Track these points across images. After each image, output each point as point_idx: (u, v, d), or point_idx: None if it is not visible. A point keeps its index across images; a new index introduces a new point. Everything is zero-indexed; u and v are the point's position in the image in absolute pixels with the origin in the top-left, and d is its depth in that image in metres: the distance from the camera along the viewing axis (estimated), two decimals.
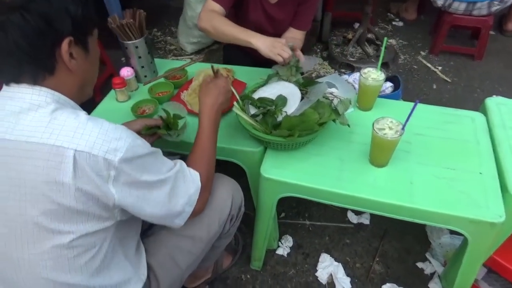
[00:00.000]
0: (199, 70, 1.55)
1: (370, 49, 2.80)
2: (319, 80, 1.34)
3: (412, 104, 1.06)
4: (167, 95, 1.43)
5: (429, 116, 1.36)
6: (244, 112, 1.20)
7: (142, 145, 0.81)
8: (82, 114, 0.77)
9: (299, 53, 1.36)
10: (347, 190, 1.11)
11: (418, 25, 3.16)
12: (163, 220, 0.89)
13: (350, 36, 2.88)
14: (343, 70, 2.68)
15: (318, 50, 2.91)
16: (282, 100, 1.19)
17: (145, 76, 1.56)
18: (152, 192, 0.83)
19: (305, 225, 1.71)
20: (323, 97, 1.21)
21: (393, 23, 3.22)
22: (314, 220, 1.72)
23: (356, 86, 1.70)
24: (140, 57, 1.50)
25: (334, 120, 1.17)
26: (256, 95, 1.26)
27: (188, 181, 0.92)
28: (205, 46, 2.99)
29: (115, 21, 1.40)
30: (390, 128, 1.09)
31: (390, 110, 1.37)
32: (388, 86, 1.67)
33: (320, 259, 1.56)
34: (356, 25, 3.10)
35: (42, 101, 0.76)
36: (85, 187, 0.73)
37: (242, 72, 1.60)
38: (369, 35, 2.86)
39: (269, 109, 1.16)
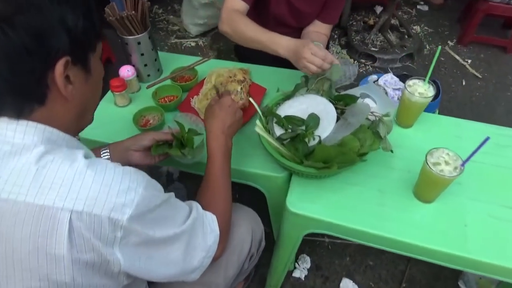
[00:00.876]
0: (211, 70, 1.33)
1: (393, 37, 2.56)
2: (351, 91, 1.14)
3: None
4: (174, 102, 1.23)
5: (481, 136, 1.17)
6: (268, 133, 1.01)
7: (156, 192, 0.64)
8: (80, 157, 0.58)
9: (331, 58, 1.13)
10: (389, 232, 0.93)
11: (445, 10, 2.90)
12: (176, 278, 0.73)
13: (371, 21, 2.63)
14: (363, 60, 2.45)
15: (336, 37, 2.66)
16: (314, 121, 1.00)
17: (148, 76, 1.35)
18: (165, 249, 0.67)
19: (324, 243, 1.55)
20: None
21: (418, 7, 2.95)
22: (333, 237, 1.57)
23: (389, 90, 1.50)
24: (142, 54, 1.28)
25: None
26: (281, 111, 1.06)
27: (206, 231, 0.76)
28: (211, 28, 2.74)
29: (114, 12, 1.17)
30: (447, 163, 0.90)
31: (434, 127, 1.18)
32: None
33: (341, 285, 1.41)
34: (378, 8, 2.84)
35: (28, 141, 0.57)
36: (83, 257, 0.56)
37: (260, 73, 1.38)
38: (392, 21, 2.61)
39: (299, 133, 0.97)
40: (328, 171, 0.91)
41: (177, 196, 0.75)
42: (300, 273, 1.44)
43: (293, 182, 1.04)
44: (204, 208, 0.79)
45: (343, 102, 1.07)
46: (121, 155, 0.94)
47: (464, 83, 2.25)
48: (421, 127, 1.17)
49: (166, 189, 0.70)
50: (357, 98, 1.06)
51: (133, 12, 1.17)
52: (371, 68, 2.41)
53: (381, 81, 1.53)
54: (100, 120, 1.22)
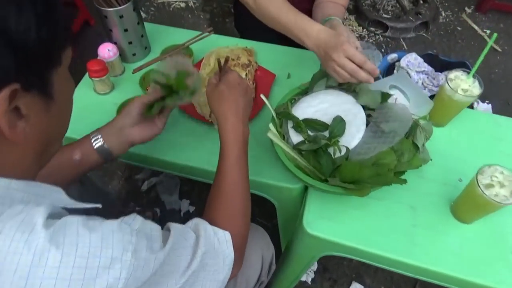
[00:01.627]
0: (210, 51, 1.12)
1: (406, 1, 2.31)
2: (377, 83, 0.94)
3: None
4: None
5: None
6: (283, 141, 0.83)
7: (152, 254, 0.47)
8: (39, 225, 0.40)
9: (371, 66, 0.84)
10: (423, 262, 0.80)
11: None
12: None
13: None
14: (373, 29, 2.22)
15: None
16: (340, 126, 0.81)
17: (134, 55, 1.12)
18: None
19: None
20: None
21: None
22: None
23: (412, 74, 1.31)
24: (126, 30, 1.05)
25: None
26: (298, 111, 0.87)
27: (218, 262, 0.61)
28: None
29: None
30: (501, 185, 0.75)
31: (471, 126, 1.01)
32: None
33: None
34: None
35: None
36: None
37: (266, 53, 1.17)
38: None
39: (322, 143, 0.79)
40: (359, 193, 0.74)
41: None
42: (306, 276, 1.32)
43: (310, 196, 0.87)
44: (215, 222, 0.64)
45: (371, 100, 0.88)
46: (118, 138, 0.76)
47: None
48: (456, 126, 1.00)
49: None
50: (389, 96, 0.87)
51: None
52: (381, 38, 2.19)
53: (403, 62, 1.33)
54: (76, 111, 0.99)
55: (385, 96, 0.87)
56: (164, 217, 1.50)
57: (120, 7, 0.99)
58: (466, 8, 2.36)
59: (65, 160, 0.72)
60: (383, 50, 2.13)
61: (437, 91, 0.96)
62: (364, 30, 2.22)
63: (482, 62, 0.89)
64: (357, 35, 2.20)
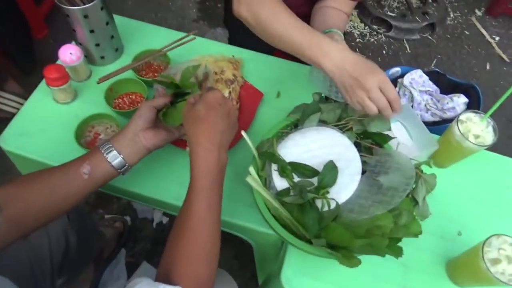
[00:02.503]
0: (191, 59, 0.98)
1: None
2: None
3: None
4: (134, 107, 0.89)
5: None
6: (265, 188, 0.71)
7: None
8: None
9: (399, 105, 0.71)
10: None
11: None
12: None
13: None
14: (375, 27, 2.07)
15: None
16: (331, 174, 0.70)
17: (102, 58, 0.98)
18: None
19: None
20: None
21: None
22: None
23: (414, 93, 1.18)
24: (92, 31, 0.90)
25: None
26: (283, 149, 0.75)
27: None
28: None
29: None
30: (510, 261, 0.65)
31: (477, 169, 0.90)
32: (460, 103, 1.16)
33: None
34: None
35: None
36: None
37: (255, 64, 1.04)
38: None
39: (310, 197, 0.67)
40: (347, 263, 0.64)
41: None
42: None
43: (291, 247, 0.77)
44: (172, 267, 0.56)
45: (369, 140, 0.77)
46: (133, 145, 0.68)
47: (488, 67, 1.93)
48: (459, 169, 0.89)
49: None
50: (390, 138, 0.75)
51: None
52: (384, 38, 2.04)
53: (406, 80, 1.21)
54: (32, 124, 0.89)
55: (384, 139, 0.75)
56: (135, 226, 1.39)
57: (85, 6, 0.84)
58: (476, 10, 2.21)
59: (72, 175, 0.63)
60: (384, 52, 1.99)
61: (444, 132, 0.85)
62: (366, 27, 2.06)
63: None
64: (358, 33, 2.05)
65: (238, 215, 0.80)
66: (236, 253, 1.34)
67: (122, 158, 0.66)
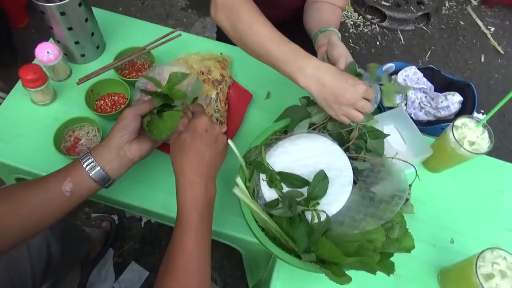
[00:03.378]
0: (176, 58, 0.93)
1: None
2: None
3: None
4: (119, 111, 0.85)
5: None
6: (253, 200, 0.68)
7: None
8: None
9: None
10: None
11: None
12: None
13: None
14: (369, 17, 2.02)
15: None
16: (321, 184, 0.67)
17: (83, 56, 0.93)
18: None
19: None
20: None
21: None
22: None
23: (409, 91, 1.15)
24: (71, 29, 0.85)
25: None
26: (272, 158, 0.71)
27: None
28: None
29: None
30: (503, 275, 0.64)
31: (474, 174, 0.88)
32: (455, 102, 1.13)
33: None
34: None
35: None
36: None
37: (244, 63, 0.99)
38: None
39: (299, 210, 0.65)
40: (338, 280, 0.61)
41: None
42: None
43: (279, 261, 0.75)
44: None
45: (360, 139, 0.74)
46: (117, 159, 0.64)
47: (483, 59, 1.90)
48: (453, 173, 0.87)
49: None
50: (384, 135, 0.73)
51: None
52: (378, 29, 1.99)
53: (400, 77, 1.18)
54: (9, 128, 0.84)
55: (380, 134, 0.72)
56: (122, 225, 1.36)
57: (62, 2, 0.79)
58: (472, 0, 2.16)
59: (53, 193, 0.59)
60: (378, 43, 1.95)
61: (439, 137, 0.82)
62: (360, 17, 2.01)
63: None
64: (352, 22, 2.00)
65: (226, 225, 0.78)
66: (227, 252, 1.32)
67: (106, 173, 0.62)
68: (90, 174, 0.61)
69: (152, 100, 0.69)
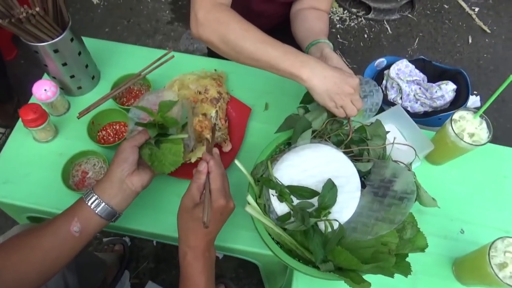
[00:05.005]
0: (172, 80, 0.94)
1: None
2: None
3: None
4: (119, 139, 0.86)
5: None
6: (266, 216, 0.69)
7: None
8: None
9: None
10: None
11: None
12: None
13: None
14: (354, 10, 2.03)
15: None
16: (331, 193, 0.68)
17: (79, 88, 0.94)
18: None
19: None
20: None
21: None
22: None
23: (402, 84, 1.17)
24: (65, 64, 0.86)
25: None
26: (279, 172, 0.73)
27: None
28: None
29: (1, 13, 0.72)
30: None
31: (476, 162, 0.90)
32: (449, 91, 1.15)
33: None
34: None
35: None
36: None
37: (238, 76, 1.00)
38: None
39: (312, 222, 0.66)
40: (356, 286, 0.63)
41: None
42: None
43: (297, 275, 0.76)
44: None
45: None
46: (121, 193, 0.65)
47: (470, 41, 1.92)
48: (456, 164, 0.89)
49: None
50: (385, 132, 0.74)
51: (37, 10, 0.72)
52: (364, 21, 2.01)
53: (392, 71, 1.19)
54: (14, 169, 0.85)
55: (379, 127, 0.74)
56: (135, 246, 1.37)
57: (54, 40, 0.80)
58: None
59: (62, 235, 0.61)
60: (365, 36, 1.96)
61: (438, 131, 0.83)
62: (345, 11, 2.02)
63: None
64: (338, 18, 2.01)
65: (240, 241, 0.79)
66: (240, 261, 1.33)
67: (112, 208, 0.63)
68: (96, 211, 0.62)
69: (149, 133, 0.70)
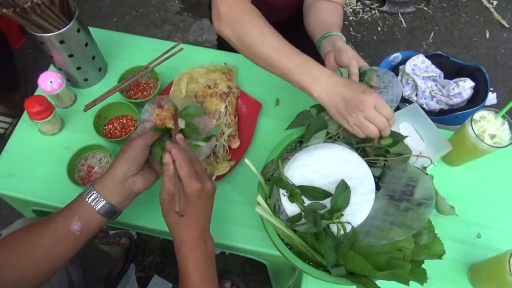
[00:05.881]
0: (180, 74, 0.91)
1: None
2: None
3: None
4: (126, 133, 0.83)
5: None
6: (276, 217, 0.67)
7: None
8: None
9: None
10: None
11: None
12: None
13: None
14: (368, 2, 1.97)
15: None
16: (344, 195, 0.66)
17: (86, 80, 0.91)
18: None
19: None
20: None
21: None
22: None
23: (418, 80, 1.13)
24: (71, 56, 0.83)
25: None
26: (290, 171, 0.70)
27: None
28: None
29: (5, 2, 0.70)
30: None
31: (495, 164, 0.86)
32: (467, 88, 1.10)
33: None
34: None
35: None
36: None
37: (250, 69, 0.97)
38: None
39: (324, 224, 0.63)
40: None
41: None
42: None
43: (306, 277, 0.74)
44: None
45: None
46: (122, 192, 0.63)
47: (488, 35, 1.86)
48: (474, 166, 0.85)
49: None
50: (403, 137, 0.71)
51: None
52: (378, 14, 1.95)
53: (408, 67, 1.15)
54: (19, 162, 0.83)
55: (399, 137, 0.71)
56: (140, 240, 1.36)
57: (60, 31, 0.77)
58: None
59: (63, 234, 0.59)
60: (379, 29, 1.91)
61: (457, 131, 0.80)
62: (359, 3, 1.97)
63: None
64: (351, 10, 1.96)
65: (249, 240, 0.77)
66: (247, 257, 1.32)
67: (113, 205, 0.61)
68: (97, 209, 0.60)
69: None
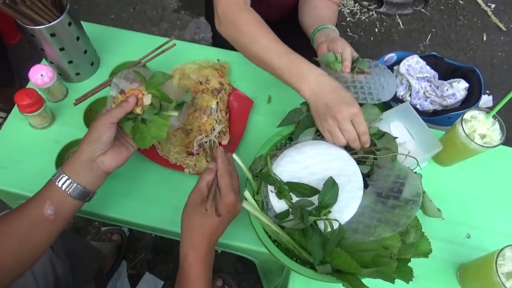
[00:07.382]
0: (173, 69, 0.91)
1: None
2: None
3: None
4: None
5: None
6: (263, 213, 0.67)
7: None
8: None
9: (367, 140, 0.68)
10: None
11: None
12: None
13: None
14: (365, 3, 1.97)
15: None
16: (332, 192, 0.65)
17: (78, 74, 0.91)
18: None
19: None
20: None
21: None
22: None
23: (412, 81, 1.13)
24: (62, 49, 0.83)
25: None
26: (278, 168, 0.70)
27: None
28: None
29: None
30: None
31: (486, 165, 0.86)
32: (461, 89, 1.10)
33: None
34: None
35: None
36: None
37: (242, 67, 0.97)
38: None
39: (311, 220, 0.63)
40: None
41: None
42: None
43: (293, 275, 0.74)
44: None
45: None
46: (92, 172, 0.62)
47: (485, 38, 1.86)
48: (465, 166, 0.85)
49: None
50: (393, 138, 0.71)
51: None
52: (375, 15, 1.95)
53: (402, 67, 1.15)
54: (8, 155, 0.83)
55: (389, 138, 0.71)
56: (132, 236, 1.36)
57: (51, 23, 0.77)
58: None
59: (36, 220, 0.58)
60: (376, 30, 1.91)
61: (448, 131, 0.80)
62: (356, 4, 1.97)
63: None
64: (348, 11, 1.96)
65: (237, 237, 0.77)
66: (239, 256, 1.31)
67: (85, 187, 0.61)
68: (69, 192, 0.60)
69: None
